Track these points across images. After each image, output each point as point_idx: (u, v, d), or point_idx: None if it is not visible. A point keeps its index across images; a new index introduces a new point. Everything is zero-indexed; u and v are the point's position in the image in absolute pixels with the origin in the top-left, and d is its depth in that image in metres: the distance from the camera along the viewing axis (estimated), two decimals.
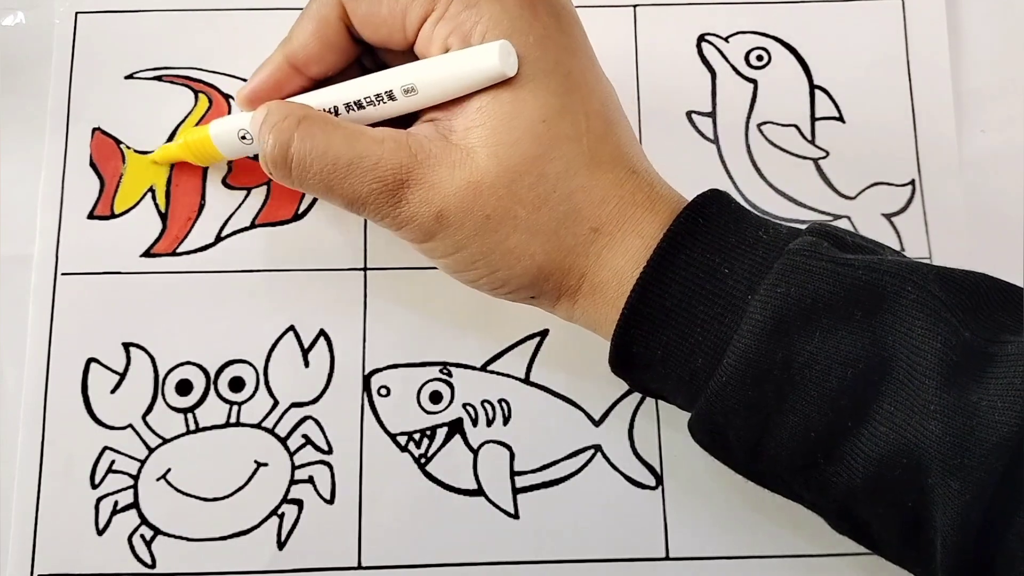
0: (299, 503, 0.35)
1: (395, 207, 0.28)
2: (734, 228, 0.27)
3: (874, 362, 0.25)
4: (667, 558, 0.34)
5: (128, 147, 0.37)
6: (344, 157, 0.28)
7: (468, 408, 0.36)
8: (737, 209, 0.28)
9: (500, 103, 0.28)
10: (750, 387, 0.26)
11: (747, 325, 0.25)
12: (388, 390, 0.36)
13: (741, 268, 0.26)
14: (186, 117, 0.38)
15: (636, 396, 0.36)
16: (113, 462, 0.35)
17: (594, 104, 0.28)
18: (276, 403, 0.35)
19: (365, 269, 0.37)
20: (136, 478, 0.34)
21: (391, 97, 0.29)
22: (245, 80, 0.38)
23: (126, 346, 0.36)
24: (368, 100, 0.29)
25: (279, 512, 0.34)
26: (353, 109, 0.30)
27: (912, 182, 0.38)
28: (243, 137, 0.33)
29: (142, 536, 0.34)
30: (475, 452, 0.35)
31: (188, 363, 0.36)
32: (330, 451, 0.35)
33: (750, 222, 0.28)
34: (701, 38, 0.40)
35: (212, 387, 0.35)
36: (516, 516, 0.35)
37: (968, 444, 0.23)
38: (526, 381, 0.36)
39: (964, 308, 0.25)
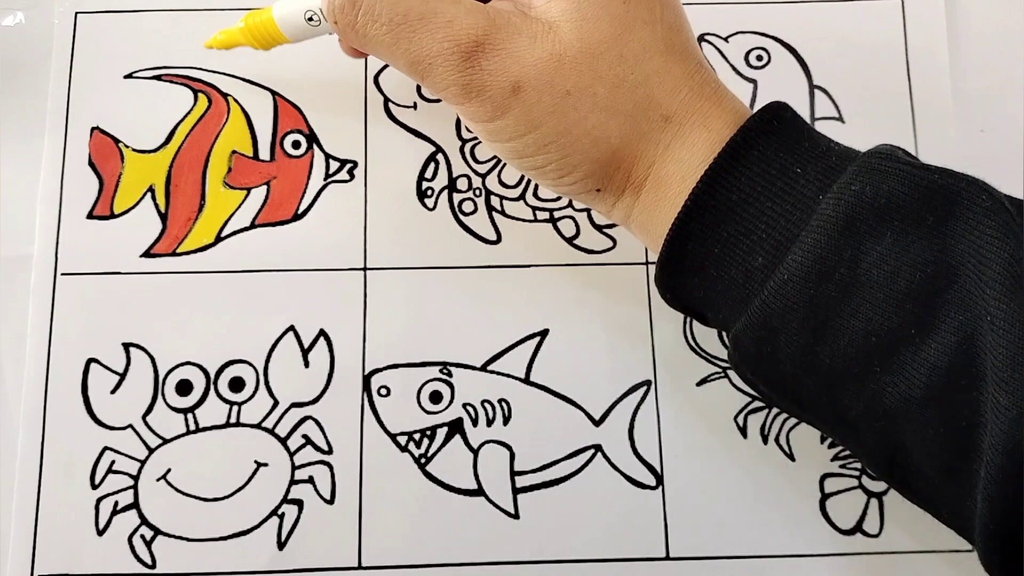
0: (299, 503, 0.35)
1: (466, 73, 0.27)
2: (807, 135, 0.27)
3: (942, 268, 0.24)
4: (667, 558, 0.34)
5: (127, 146, 0.37)
6: (416, 9, 0.27)
7: (468, 408, 0.36)
8: (806, 122, 0.28)
9: None
10: (813, 285, 0.25)
11: (817, 220, 0.25)
12: (388, 390, 0.36)
13: (814, 170, 0.26)
14: (185, 117, 0.38)
15: (636, 396, 0.36)
16: (113, 462, 0.35)
17: None
18: (276, 403, 0.35)
19: (365, 269, 0.37)
20: (136, 478, 0.34)
21: None
22: (245, 80, 0.38)
23: (126, 346, 0.36)
24: None
25: (279, 512, 0.34)
26: None
27: None
28: (310, 19, 0.31)
29: (142, 536, 0.34)
30: (475, 452, 0.35)
31: (188, 363, 0.35)
32: (330, 451, 0.35)
33: (820, 134, 0.28)
34: (701, 38, 0.39)
35: (212, 387, 0.35)
36: (516, 516, 0.35)
37: (1021, 359, 0.23)
38: (526, 381, 0.36)
39: None
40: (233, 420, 0.35)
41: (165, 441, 0.35)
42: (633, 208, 0.29)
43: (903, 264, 0.24)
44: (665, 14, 0.28)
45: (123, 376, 0.35)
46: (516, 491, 0.35)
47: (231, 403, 0.35)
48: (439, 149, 0.38)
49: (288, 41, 0.34)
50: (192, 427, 0.35)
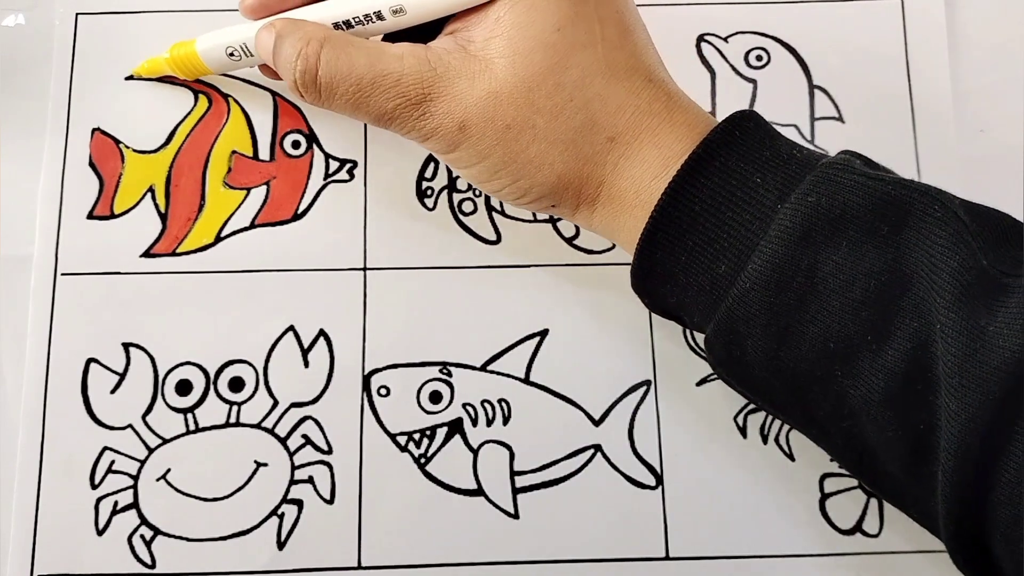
0: (299, 503, 0.35)
1: (420, 120, 0.29)
2: (769, 143, 0.28)
3: (896, 277, 0.25)
4: (667, 558, 0.34)
5: (127, 147, 0.38)
6: (367, 77, 0.29)
7: (468, 408, 0.36)
8: (772, 129, 0.29)
9: (516, 13, 0.28)
10: (773, 293, 0.26)
11: (775, 230, 0.26)
12: (388, 390, 0.36)
13: (773, 179, 0.27)
14: (185, 117, 0.38)
15: (636, 396, 0.36)
16: (113, 462, 0.35)
17: (608, 10, 0.29)
18: (276, 403, 0.35)
19: (365, 269, 0.37)
20: (136, 478, 0.34)
21: (380, 17, 0.30)
22: (245, 80, 0.38)
23: (126, 346, 0.36)
24: (357, 20, 0.31)
25: (279, 512, 0.34)
26: (342, 28, 0.31)
27: None
28: (231, 55, 0.34)
29: (142, 536, 0.34)
30: (475, 452, 0.35)
31: (188, 363, 0.36)
32: (330, 451, 0.35)
33: (784, 141, 0.28)
34: (700, 38, 0.40)
35: (212, 387, 0.35)
36: (516, 516, 0.35)
37: (968, 366, 0.23)
38: (526, 381, 0.36)
39: (985, 238, 0.25)
40: (233, 420, 0.35)
41: (165, 441, 0.35)
42: (592, 219, 0.30)
43: (858, 273, 0.25)
44: (606, 33, 0.29)
45: (123, 376, 0.35)
46: (516, 491, 0.35)
47: (231, 403, 0.35)
48: None
49: (211, 72, 0.36)
50: (192, 427, 0.35)
